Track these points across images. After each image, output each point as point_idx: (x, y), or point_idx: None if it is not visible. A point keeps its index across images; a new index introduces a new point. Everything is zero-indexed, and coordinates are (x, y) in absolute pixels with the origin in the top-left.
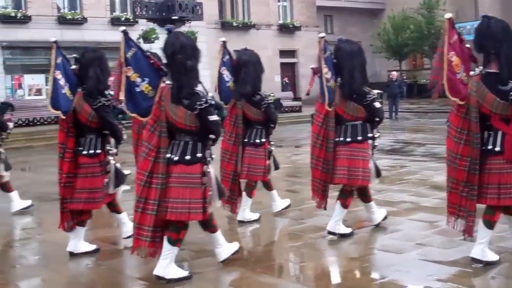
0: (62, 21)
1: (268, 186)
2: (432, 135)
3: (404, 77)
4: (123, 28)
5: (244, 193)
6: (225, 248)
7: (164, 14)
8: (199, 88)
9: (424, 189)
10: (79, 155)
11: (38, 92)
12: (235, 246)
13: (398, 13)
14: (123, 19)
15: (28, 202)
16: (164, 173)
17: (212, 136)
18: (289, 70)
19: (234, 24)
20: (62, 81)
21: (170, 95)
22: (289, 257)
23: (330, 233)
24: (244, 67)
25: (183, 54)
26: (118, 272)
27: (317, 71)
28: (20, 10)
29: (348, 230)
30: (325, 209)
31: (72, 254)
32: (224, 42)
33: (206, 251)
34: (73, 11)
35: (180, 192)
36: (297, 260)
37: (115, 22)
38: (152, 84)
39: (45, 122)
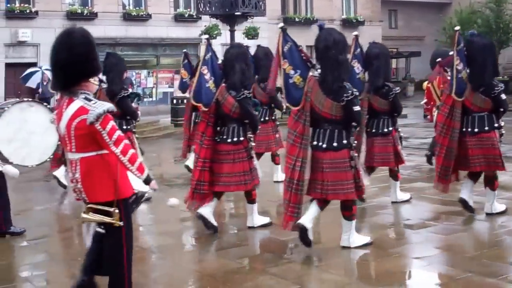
0: (127, 17)
1: (394, 176)
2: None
3: None
4: (281, 24)
5: (390, 179)
6: (356, 238)
7: (227, 10)
8: None
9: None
10: (224, 143)
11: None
12: (366, 238)
13: (465, 7)
14: (186, 15)
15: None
16: (305, 157)
17: (354, 124)
18: None
19: (297, 19)
20: (207, 76)
21: (317, 87)
22: (353, 256)
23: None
24: (376, 60)
25: (335, 49)
26: (180, 266)
27: (442, 64)
28: (87, 7)
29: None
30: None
31: (251, 227)
32: (357, 36)
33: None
34: (137, 8)
35: (336, 175)
36: (362, 259)
37: (178, 18)
38: (302, 76)
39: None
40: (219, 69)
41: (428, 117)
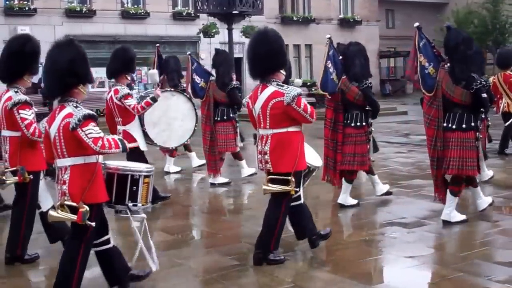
0: (126, 15)
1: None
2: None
3: None
4: (417, 24)
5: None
6: (484, 200)
7: (224, 8)
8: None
9: (487, 186)
10: (348, 127)
11: (101, 84)
12: (489, 199)
13: (462, 7)
14: (184, 13)
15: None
16: (440, 137)
17: (482, 109)
18: None
19: (294, 18)
20: (331, 69)
21: (447, 77)
22: (345, 254)
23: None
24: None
25: (464, 46)
26: (175, 262)
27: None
28: (85, 5)
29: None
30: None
31: (342, 206)
32: (330, 39)
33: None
34: (136, 6)
35: (460, 153)
36: (355, 257)
37: (177, 16)
38: (435, 67)
39: None
40: (340, 64)
41: (495, 109)
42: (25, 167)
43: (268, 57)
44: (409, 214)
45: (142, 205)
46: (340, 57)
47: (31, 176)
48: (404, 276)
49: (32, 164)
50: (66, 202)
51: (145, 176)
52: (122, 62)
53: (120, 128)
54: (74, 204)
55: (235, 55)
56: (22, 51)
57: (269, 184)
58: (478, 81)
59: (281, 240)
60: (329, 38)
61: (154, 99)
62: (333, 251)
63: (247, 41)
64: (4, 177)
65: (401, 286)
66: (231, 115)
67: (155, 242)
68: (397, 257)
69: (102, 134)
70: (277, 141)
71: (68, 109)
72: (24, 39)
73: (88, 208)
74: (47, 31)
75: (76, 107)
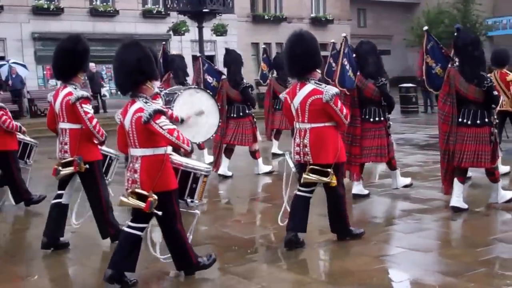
0: (94, 13)
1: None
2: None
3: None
4: (426, 27)
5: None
6: (500, 194)
7: (195, 7)
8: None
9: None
10: (366, 122)
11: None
12: (510, 193)
13: (433, 7)
14: (154, 11)
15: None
16: (454, 132)
17: (493, 105)
18: None
19: (266, 17)
20: (347, 66)
21: (459, 75)
22: (312, 254)
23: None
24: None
25: (472, 47)
26: (141, 265)
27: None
28: (53, 2)
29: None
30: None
31: (404, 187)
32: (345, 38)
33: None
34: (105, 3)
35: (475, 147)
36: (323, 258)
37: (146, 14)
38: (443, 67)
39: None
40: (354, 62)
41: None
42: (82, 158)
43: (306, 57)
44: (380, 213)
45: (198, 201)
46: (354, 55)
47: (87, 166)
48: (373, 276)
49: (89, 155)
50: (137, 190)
51: (205, 176)
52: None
53: None
54: (144, 192)
55: (206, 53)
56: (75, 50)
57: (310, 174)
58: (488, 79)
59: (243, 242)
60: (345, 37)
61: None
62: (301, 252)
63: (218, 39)
64: (60, 167)
65: (370, 286)
66: (247, 111)
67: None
68: (367, 257)
69: (175, 127)
70: (316, 135)
71: (139, 103)
72: (75, 39)
73: (156, 198)
74: (13, 29)
75: (146, 102)
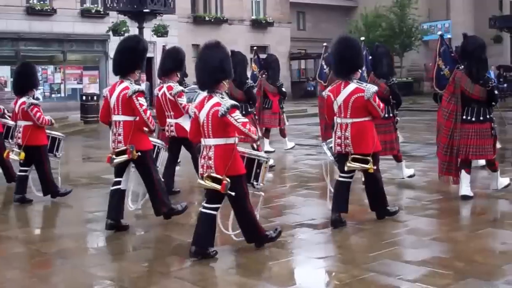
0: (31, 12)
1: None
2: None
3: None
4: (440, 32)
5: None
6: (499, 181)
7: (135, 6)
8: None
9: (395, 188)
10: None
11: (4, 84)
12: (507, 180)
13: (370, 11)
14: (93, 11)
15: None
16: (459, 128)
17: (493, 103)
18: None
19: (207, 18)
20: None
21: (465, 77)
22: (256, 256)
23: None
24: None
25: (480, 49)
26: (81, 270)
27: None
28: None
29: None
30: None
31: (409, 177)
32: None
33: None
34: (42, 2)
35: (479, 141)
36: (265, 259)
37: (85, 14)
38: (450, 70)
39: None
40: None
41: None
42: (135, 147)
43: (353, 60)
44: (318, 215)
45: (262, 184)
46: (370, 57)
47: (139, 153)
48: (315, 277)
49: (141, 145)
50: (212, 174)
51: (266, 162)
52: (174, 61)
53: (171, 121)
54: (218, 176)
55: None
56: (137, 48)
57: (352, 163)
58: (492, 80)
59: (186, 245)
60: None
61: None
62: (243, 254)
63: (158, 40)
64: (114, 156)
65: (312, 287)
66: (249, 109)
67: (59, 250)
68: (308, 258)
69: (247, 120)
70: (357, 128)
71: (216, 99)
72: (138, 38)
73: (229, 181)
74: None
75: (222, 97)
